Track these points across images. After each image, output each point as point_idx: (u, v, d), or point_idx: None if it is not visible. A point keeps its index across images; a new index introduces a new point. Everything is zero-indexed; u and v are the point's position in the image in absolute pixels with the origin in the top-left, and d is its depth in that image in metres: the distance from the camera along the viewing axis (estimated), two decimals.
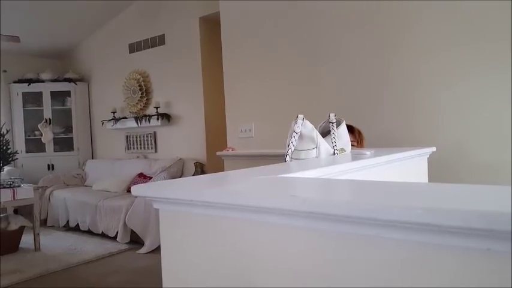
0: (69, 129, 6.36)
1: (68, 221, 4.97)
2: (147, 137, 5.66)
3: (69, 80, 6.29)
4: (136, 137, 5.80)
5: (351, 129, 2.16)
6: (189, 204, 0.74)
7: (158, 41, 5.39)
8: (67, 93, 6.31)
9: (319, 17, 2.98)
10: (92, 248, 4.11)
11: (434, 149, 1.96)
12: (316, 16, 3.00)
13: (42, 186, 4.67)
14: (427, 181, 1.93)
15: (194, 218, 0.75)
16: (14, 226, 4.04)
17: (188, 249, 0.77)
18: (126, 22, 5.77)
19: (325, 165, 1.15)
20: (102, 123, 6.06)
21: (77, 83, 6.34)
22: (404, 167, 1.69)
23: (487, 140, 2.33)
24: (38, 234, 4.10)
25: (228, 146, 3.45)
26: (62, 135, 6.34)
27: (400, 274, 0.53)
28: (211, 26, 4.86)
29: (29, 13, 5.18)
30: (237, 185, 0.83)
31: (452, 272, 0.48)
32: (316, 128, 1.49)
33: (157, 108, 5.28)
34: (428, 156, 1.96)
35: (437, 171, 2.10)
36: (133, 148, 5.83)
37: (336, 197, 0.65)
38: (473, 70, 2.37)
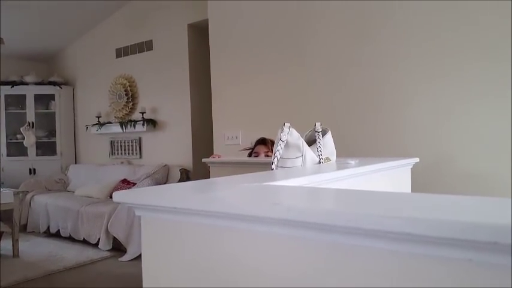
0: (52, 133, 6.26)
1: (48, 227, 4.86)
2: (132, 142, 5.60)
3: (53, 84, 6.21)
4: (121, 143, 5.74)
5: (263, 141, 2.53)
6: (171, 211, 0.72)
7: (146, 46, 5.37)
8: (51, 97, 6.22)
9: (307, 26, 3.01)
10: (72, 254, 4.02)
11: (417, 159, 1.98)
12: (304, 25, 3.03)
13: (23, 191, 4.56)
14: (410, 191, 1.95)
15: (177, 226, 0.74)
16: None
17: (170, 257, 0.76)
18: (114, 27, 5.73)
19: (310, 173, 1.15)
20: (87, 127, 5.99)
21: (62, 86, 6.26)
22: (388, 177, 1.70)
23: (470, 151, 2.37)
24: (17, 240, 4.01)
25: (214, 153, 3.43)
26: (45, 139, 6.23)
27: (383, 284, 0.52)
28: (199, 33, 4.87)
29: (15, 15, 5.11)
30: (221, 192, 0.82)
31: (434, 282, 0.48)
32: (302, 136, 1.49)
33: (143, 113, 5.25)
34: (411, 166, 1.98)
35: (421, 181, 2.12)
36: (118, 153, 5.77)
37: (319, 206, 0.65)
38: (456, 80, 2.41)
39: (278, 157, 1.42)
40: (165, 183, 4.78)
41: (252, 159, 2.43)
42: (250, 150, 2.64)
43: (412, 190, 1.98)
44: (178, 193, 0.80)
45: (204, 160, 2.79)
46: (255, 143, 2.63)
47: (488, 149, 2.31)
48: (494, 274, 0.44)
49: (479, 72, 2.33)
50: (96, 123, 5.79)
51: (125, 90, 5.54)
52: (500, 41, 2.26)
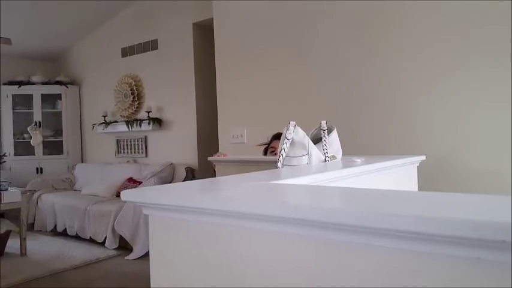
0: (59, 132, 6.30)
1: (55, 226, 4.90)
2: (137, 141, 5.63)
3: (60, 83, 6.25)
4: (126, 141, 5.76)
5: (280, 136, 2.37)
6: (179, 210, 0.73)
7: (151, 45, 5.38)
8: (58, 96, 6.26)
9: (312, 24, 3.00)
10: (79, 253, 4.05)
11: (423, 157, 1.97)
12: (309, 22, 3.02)
13: (30, 190, 4.60)
14: (416, 189, 1.94)
15: (184, 224, 0.74)
16: None
17: (178, 256, 0.76)
18: (120, 26, 5.75)
19: (316, 172, 1.15)
20: (93, 127, 6.02)
21: (68, 86, 6.30)
22: (394, 175, 1.70)
23: (479, 149, 2.35)
24: (25, 238, 4.04)
25: (219, 151, 3.44)
26: (52, 139, 6.28)
27: (390, 282, 0.52)
28: (204, 31, 4.87)
29: (22, 15, 5.14)
30: (228, 191, 0.83)
31: (442, 280, 0.48)
32: (307, 135, 1.49)
33: (148, 112, 5.26)
34: (418, 164, 1.98)
35: (427, 179, 2.11)
36: (124, 152, 5.79)
37: (326, 204, 0.65)
38: (463, 79, 2.40)
39: (284, 155, 1.42)
40: (170, 182, 4.81)
41: (257, 157, 2.42)
42: (266, 146, 2.61)
43: (419, 188, 1.97)
44: (186, 192, 0.81)
45: (209, 159, 2.79)
46: (271, 138, 2.59)
47: (496, 147, 2.29)
48: (502, 272, 0.44)
49: (486, 71, 2.31)
50: (102, 122, 5.82)
51: (131, 89, 5.56)
52: (505, 41, 2.24)
